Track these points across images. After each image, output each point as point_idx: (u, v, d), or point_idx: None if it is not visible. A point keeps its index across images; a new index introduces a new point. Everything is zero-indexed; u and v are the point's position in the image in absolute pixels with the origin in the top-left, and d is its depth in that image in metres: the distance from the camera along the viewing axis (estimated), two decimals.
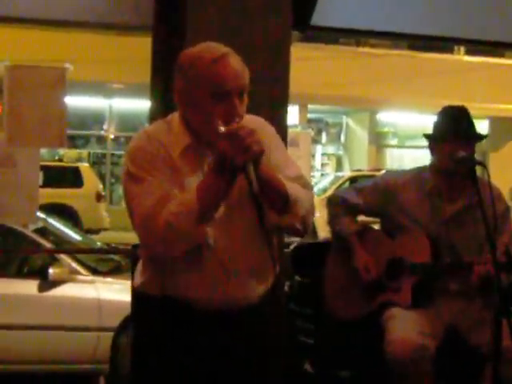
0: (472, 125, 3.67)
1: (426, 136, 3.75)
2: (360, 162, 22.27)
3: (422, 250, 3.60)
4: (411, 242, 3.64)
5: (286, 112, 3.58)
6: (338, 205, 3.82)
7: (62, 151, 20.83)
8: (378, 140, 23.04)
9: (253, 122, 2.57)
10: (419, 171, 3.81)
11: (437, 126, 3.72)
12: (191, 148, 2.49)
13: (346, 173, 19.72)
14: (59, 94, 3.58)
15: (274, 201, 2.43)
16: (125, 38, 13.68)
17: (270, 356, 2.63)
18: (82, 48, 16.73)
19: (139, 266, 2.61)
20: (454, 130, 3.61)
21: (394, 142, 23.45)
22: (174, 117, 2.55)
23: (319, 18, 3.70)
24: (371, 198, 3.78)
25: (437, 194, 3.69)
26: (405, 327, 3.44)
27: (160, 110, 3.44)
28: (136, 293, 2.65)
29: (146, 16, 3.33)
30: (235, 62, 2.44)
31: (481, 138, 3.76)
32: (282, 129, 3.27)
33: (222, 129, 2.33)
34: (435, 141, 3.70)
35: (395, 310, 3.56)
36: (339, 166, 23.40)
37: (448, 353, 3.54)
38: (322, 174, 22.57)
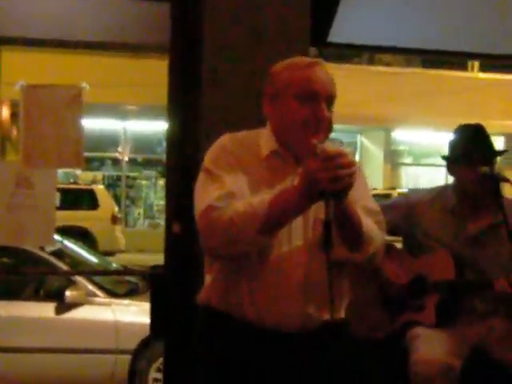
0: (490, 142, 3.62)
1: (444, 158, 3.70)
2: (375, 180, 22.17)
3: (445, 269, 3.54)
4: (434, 260, 3.58)
5: None
6: None
7: (77, 173, 20.96)
8: (393, 158, 22.98)
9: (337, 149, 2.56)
10: (442, 190, 3.75)
11: (454, 146, 3.66)
12: (277, 154, 2.48)
13: None
14: (76, 114, 3.55)
15: (347, 236, 2.38)
16: (139, 61, 13.77)
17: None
18: (96, 70, 16.83)
19: (206, 280, 2.56)
20: (471, 151, 3.55)
21: (409, 160, 23.38)
22: (262, 129, 2.56)
23: (336, 35, 3.68)
24: (393, 216, 3.72)
25: (460, 212, 3.63)
26: (430, 346, 3.38)
27: (178, 130, 3.40)
28: (201, 307, 2.57)
29: (163, 35, 3.31)
30: (325, 71, 2.48)
31: (500, 154, 3.70)
32: None
33: (320, 147, 2.23)
34: (454, 162, 3.65)
35: (419, 330, 3.50)
36: None
37: (474, 372, 3.47)
38: None
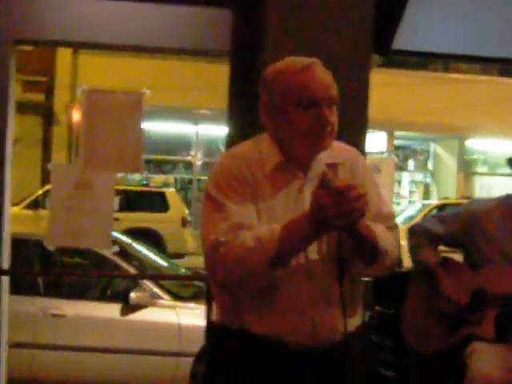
0: None
1: (509, 160, 3.62)
2: (448, 189, 21.86)
3: (507, 282, 3.45)
4: (496, 273, 3.50)
5: (365, 138, 3.51)
6: (420, 234, 3.71)
7: (150, 176, 21.23)
8: (466, 167, 22.59)
9: (345, 148, 2.52)
10: (506, 198, 3.67)
11: None
12: (281, 166, 2.38)
13: (434, 201, 19.37)
14: (136, 119, 3.58)
15: (363, 254, 2.34)
16: (212, 65, 13.83)
17: None
18: (169, 75, 17.04)
19: (216, 301, 2.53)
20: None
21: (483, 169, 22.95)
22: (264, 136, 2.45)
23: (401, 42, 3.63)
24: (454, 227, 3.66)
25: None
26: (488, 362, 3.30)
27: (238, 136, 3.41)
28: (214, 325, 2.55)
29: (224, 41, 3.32)
30: (323, 71, 2.36)
31: None
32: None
33: (330, 179, 2.17)
34: None
35: (478, 345, 3.42)
36: (427, 194, 23.02)
37: None
38: (410, 202, 22.26)
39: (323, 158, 2.40)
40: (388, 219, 2.49)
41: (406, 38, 3.67)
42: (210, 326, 2.63)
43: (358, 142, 3.41)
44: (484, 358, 3.34)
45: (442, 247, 3.82)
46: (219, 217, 2.31)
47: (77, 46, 9.74)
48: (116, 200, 3.80)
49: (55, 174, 3.76)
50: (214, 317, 2.53)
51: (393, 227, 2.50)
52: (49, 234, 3.95)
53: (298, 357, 2.39)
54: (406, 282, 3.83)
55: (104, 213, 3.65)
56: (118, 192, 17.71)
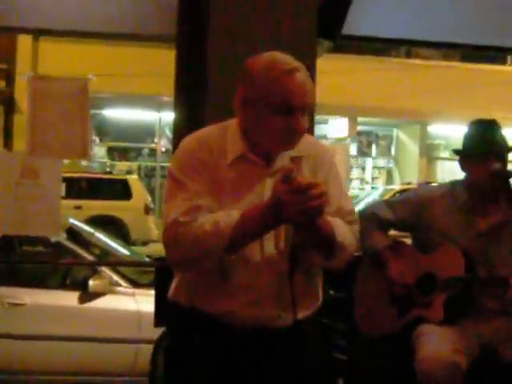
0: (503, 138, 3.58)
1: (456, 152, 3.66)
2: (411, 174, 22.04)
3: (455, 265, 3.50)
4: (444, 256, 3.55)
5: (313, 125, 3.51)
6: (369, 219, 3.74)
7: (114, 163, 21.13)
8: (429, 152, 22.79)
9: (312, 143, 2.56)
10: (452, 185, 3.71)
11: (467, 140, 3.63)
12: (245, 158, 2.42)
13: (396, 186, 19.52)
14: (82, 105, 3.57)
15: (321, 248, 2.38)
16: (173, 51, 13.79)
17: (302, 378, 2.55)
18: (131, 61, 16.94)
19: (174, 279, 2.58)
20: (483, 147, 3.51)
21: (445, 154, 23.12)
22: (231, 124, 2.48)
23: (351, 28, 3.65)
24: (403, 212, 3.70)
25: (470, 208, 3.59)
26: (436, 344, 3.35)
27: (184, 123, 3.40)
28: (169, 302, 2.59)
29: (170, 27, 3.31)
30: (305, 77, 2.37)
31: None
32: None
33: (293, 175, 2.19)
34: (466, 156, 3.61)
35: (426, 327, 3.47)
36: (390, 179, 23.20)
37: (482, 371, 3.43)
38: (373, 187, 22.41)
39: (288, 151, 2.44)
40: (348, 214, 2.52)
41: (356, 23, 3.68)
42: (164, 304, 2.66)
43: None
44: (432, 339, 3.38)
45: (393, 231, 3.87)
46: (181, 197, 2.36)
47: (30, 33, 9.62)
48: (63, 186, 3.77)
49: (0, 162, 3.73)
50: (170, 293, 2.58)
51: (352, 222, 2.54)
52: None
53: (244, 339, 2.44)
54: (357, 266, 3.86)
55: (51, 200, 3.64)
56: (80, 179, 17.59)
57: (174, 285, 2.56)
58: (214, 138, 2.45)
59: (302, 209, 2.17)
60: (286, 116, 2.33)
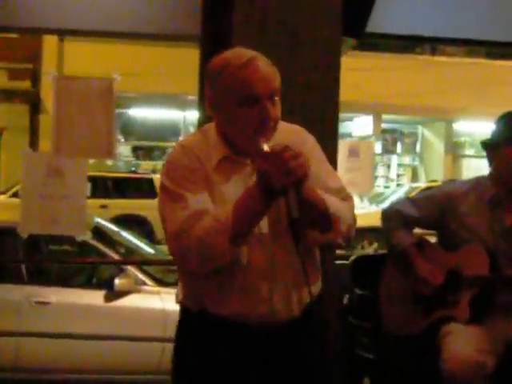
0: None
1: (484, 143, 3.62)
2: (436, 172, 21.92)
3: (479, 264, 3.47)
4: (469, 254, 3.52)
5: (337, 123, 3.50)
6: (394, 217, 3.72)
7: (139, 162, 21.20)
8: (454, 150, 22.65)
9: (291, 130, 2.54)
10: (478, 181, 3.68)
11: (494, 132, 3.59)
12: (228, 159, 2.43)
13: (422, 183, 19.42)
14: (107, 105, 3.58)
15: (316, 221, 2.38)
16: (197, 50, 13.82)
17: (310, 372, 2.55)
18: (156, 61, 16.99)
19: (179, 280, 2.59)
20: (511, 134, 3.48)
21: (470, 152, 22.99)
22: (211, 127, 2.50)
23: (376, 26, 3.63)
24: (428, 209, 3.67)
25: (497, 203, 3.55)
26: (462, 344, 3.32)
27: (208, 122, 3.40)
28: (180, 306, 2.60)
29: (196, 26, 3.32)
30: (263, 65, 2.37)
31: None
32: (332, 140, 3.20)
33: (265, 147, 2.25)
34: (494, 147, 3.57)
35: (452, 326, 3.45)
36: (415, 177, 23.08)
37: (509, 370, 3.40)
38: (398, 185, 22.31)
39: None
40: (338, 192, 2.51)
41: (380, 20, 3.67)
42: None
43: (330, 127, 3.41)
44: (458, 339, 3.36)
45: (417, 229, 3.85)
46: (178, 207, 2.36)
47: (55, 33, 9.67)
48: (88, 186, 3.79)
49: (26, 162, 3.76)
50: (179, 295, 2.58)
51: (345, 198, 2.53)
52: (21, 221, 3.94)
53: (256, 337, 2.44)
54: (383, 265, 3.85)
55: (77, 199, 3.66)
56: (105, 179, 17.66)
57: (181, 289, 2.56)
58: (197, 144, 2.47)
59: (283, 171, 2.18)
60: (253, 107, 2.33)
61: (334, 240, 2.46)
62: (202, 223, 2.31)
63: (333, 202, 2.40)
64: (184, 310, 2.55)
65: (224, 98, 2.37)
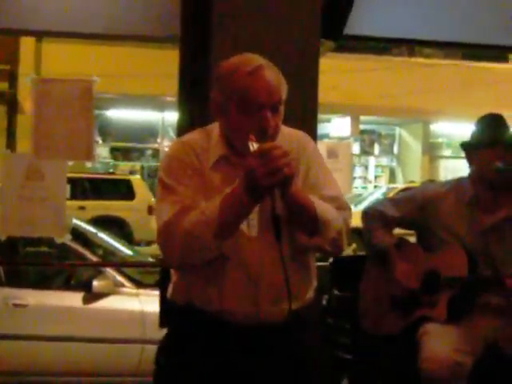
0: (509, 131, 3.58)
1: (463, 144, 3.66)
2: (413, 173, 22.03)
3: (458, 265, 3.49)
4: (448, 255, 3.54)
5: (316, 124, 3.52)
6: (374, 217, 3.74)
7: (116, 163, 21.12)
8: (431, 151, 22.77)
9: (292, 135, 2.56)
10: (458, 182, 3.71)
11: (474, 134, 3.63)
12: (225, 159, 2.47)
13: (399, 184, 19.51)
14: (86, 107, 3.57)
15: (302, 223, 2.40)
16: (176, 51, 13.80)
17: (301, 373, 2.56)
18: (135, 62, 16.94)
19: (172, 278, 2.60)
20: (491, 137, 3.51)
21: (447, 152, 23.13)
22: (215, 126, 2.53)
23: (353, 28, 3.65)
24: (408, 209, 3.69)
25: (476, 204, 3.58)
26: (440, 344, 3.34)
27: (187, 123, 3.42)
28: (168, 301, 2.62)
29: (173, 27, 3.32)
30: (271, 74, 2.39)
31: None
32: None
33: (254, 145, 2.28)
34: (473, 149, 3.60)
35: (430, 326, 3.47)
36: (392, 178, 23.19)
37: (487, 369, 3.43)
38: (376, 186, 22.40)
39: None
40: (333, 201, 2.51)
41: (358, 23, 3.68)
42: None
43: (309, 129, 3.41)
44: (436, 339, 3.38)
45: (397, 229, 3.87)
46: (171, 200, 2.41)
47: (30, 35, 9.61)
48: (68, 188, 3.77)
49: (5, 164, 3.74)
50: (168, 292, 2.60)
51: (341, 207, 2.53)
52: (0, 223, 3.92)
53: (242, 337, 2.45)
54: (363, 266, 3.86)
55: (57, 201, 3.65)
56: (83, 180, 17.53)
57: (171, 285, 2.59)
58: (198, 142, 2.51)
59: (270, 169, 2.20)
60: (254, 114, 2.36)
61: (322, 245, 2.47)
62: (190, 217, 2.34)
63: (324, 208, 2.41)
64: (172, 305, 2.56)
65: (229, 101, 2.39)
